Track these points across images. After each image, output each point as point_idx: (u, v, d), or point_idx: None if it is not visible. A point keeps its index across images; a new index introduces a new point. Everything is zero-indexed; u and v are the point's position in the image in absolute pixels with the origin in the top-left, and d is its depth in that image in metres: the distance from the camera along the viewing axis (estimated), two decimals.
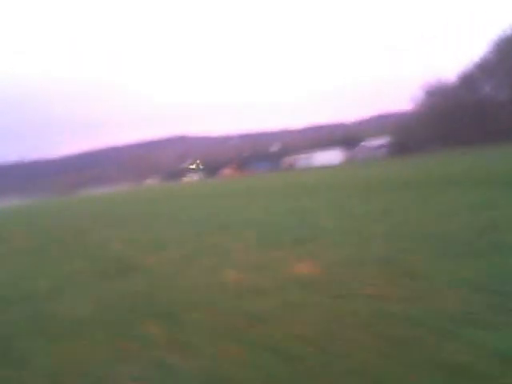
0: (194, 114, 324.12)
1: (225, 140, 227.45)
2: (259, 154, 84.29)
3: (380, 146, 60.90)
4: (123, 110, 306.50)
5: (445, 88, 58.02)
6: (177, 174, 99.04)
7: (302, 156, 60.74)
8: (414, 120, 60.30)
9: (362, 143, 64.70)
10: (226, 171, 58.62)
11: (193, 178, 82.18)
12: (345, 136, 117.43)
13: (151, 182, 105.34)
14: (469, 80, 54.41)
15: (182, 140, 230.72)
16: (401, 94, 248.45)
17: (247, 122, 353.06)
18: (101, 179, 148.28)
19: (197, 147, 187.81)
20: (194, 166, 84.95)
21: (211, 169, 77.13)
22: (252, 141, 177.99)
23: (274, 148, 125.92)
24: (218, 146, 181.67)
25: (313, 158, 58.21)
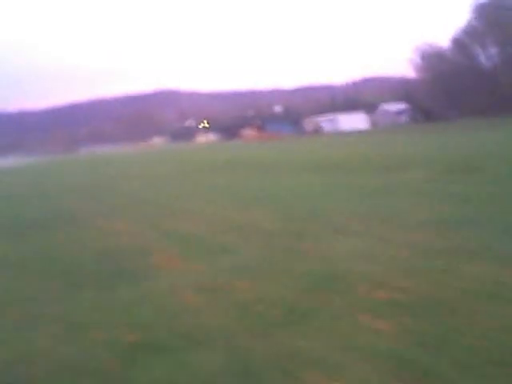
0: (182, 68, 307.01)
1: (217, 96, 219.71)
2: (278, 115, 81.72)
3: (400, 112, 59.81)
4: (106, 60, 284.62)
5: (441, 53, 54.69)
6: (185, 133, 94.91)
7: (326, 119, 58.84)
8: (422, 85, 57.88)
9: (381, 108, 63.24)
10: (248, 133, 56.27)
11: (208, 138, 78.89)
12: (346, 99, 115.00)
13: (159, 141, 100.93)
14: (462, 46, 51.34)
15: (173, 94, 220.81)
16: (386, 57, 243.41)
17: (236, 79, 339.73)
18: (99, 136, 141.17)
19: (191, 103, 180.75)
20: (206, 125, 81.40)
21: (225, 129, 74.30)
22: (251, 99, 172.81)
23: (278, 109, 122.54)
24: (216, 103, 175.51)
25: (338, 122, 56.60)
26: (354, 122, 56.20)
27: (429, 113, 54.61)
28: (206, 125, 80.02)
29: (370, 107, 68.86)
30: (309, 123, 60.64)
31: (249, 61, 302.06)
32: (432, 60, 53.82)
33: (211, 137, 79.48)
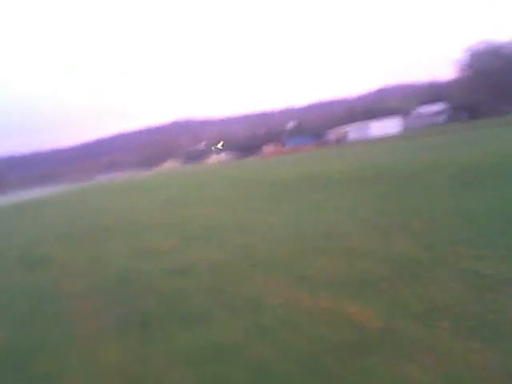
0: (195, 99, 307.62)
1: (230, 122, 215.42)
2: (294, 129, 73.70)
3: (437, 113, 50.61)
4: (124, 98, 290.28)
5: (496, 49, 48.61)
6: (198, 155, 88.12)
7: (353, 127, 50.28)
8: (467, 84, 50.59)
9: (415, 110, 54.31)
10: (268, 149, 48.32)
11: (220, 158, 71.74)
12: (365, 109, 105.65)
13: (172, 165, 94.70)
14: None
15: (188, 123, 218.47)
16: (398, 66, 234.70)
17: (246, 104, 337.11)
18: (117, 165, 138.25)
19: (205, 129, 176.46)
20: (219, 146, 74.38)
21: (241, 147, 66.47)
22: (264, 120, 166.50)
23: (291, 125, 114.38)
24: (229, 127, 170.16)
25: (368, 129, 47.91)
26: (386, 127, 47.31)
27: (474, 110, 46.21)
28: (220, 146, 72.80)
29: (396, 113, 60.02)
30: (332, 133, 51.91)
31: (258, 84, 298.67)
32: (485, 57, 47.38)
33: (223, 156, 72.31)
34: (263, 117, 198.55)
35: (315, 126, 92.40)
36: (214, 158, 74.85)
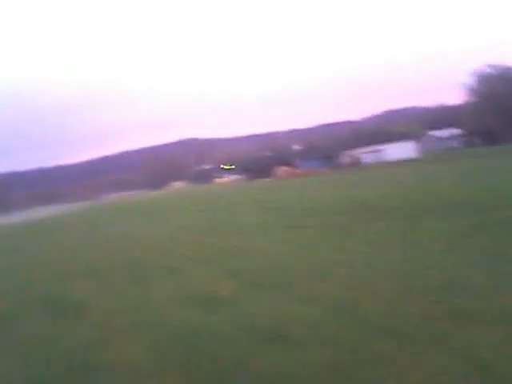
0: (200, 118, 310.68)
1: (235, 141, 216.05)
2: (302, 152, 73.19)
3: (450, 138, 49.80)
4: (129, 116, 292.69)
5: (506, 73, 48.63)
6: (205, 175, 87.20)
7: (368, 150, 49.36)
8: (476, 109, 50.37)
9: (428, 135, 53.57)
10: (281, 171, 47.22)
11: (229, 178, 70.69)
12: (372, 132, 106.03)
13: (179, 185, 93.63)
14: None
15: (193, 142, 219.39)
16: (402, 91, 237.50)
17: (250, 125, 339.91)
18: (122, 184, 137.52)
19: (210, 149, 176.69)
20: (228, 167, 73.56)
21: (251, 169, 65.43)
22: (269, 141, 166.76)
23: (298, 147, 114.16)
24: (234, 147, 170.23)
25: (383, 153, 46.95)
26: (401, 151, 46.33)
27: (488, 135, 45.38)
28: (230, 166, 72.02)
29: (406, 137, 59.35)
30: (346, 156, 50.95)
31: (263, 105, 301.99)
32: (492, 80, 46.94)
33: (232, 177, 71.20)
34: (268, 137, 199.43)
35: (323, 148, 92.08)
36: (222, 179, 73.83)
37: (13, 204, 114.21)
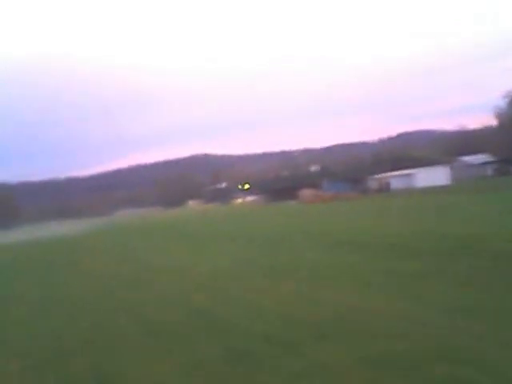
0: (212, 133, 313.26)
1: (248, 158, 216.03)
2: (323, 173, 72.01)
3: (484, 164, 48.09)
4: (141, 129, 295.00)
5: None
6: (221, 194, 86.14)
7: (397, 175, 47.82)
8: (505, 134, 48.73)
9: (460, 160, 51.97)
10: (307, 193, 45.87)
11: (246, 199, 69.54)
12: (391, 155, 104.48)
13: (194, 204, 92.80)
14: None
15: (205, 158, 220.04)
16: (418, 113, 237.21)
17: (264, 142, 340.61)
18: (135, 200, 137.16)
19: (223, 166, 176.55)
20: (246, 187, 72.56)
21: (272, 190, 64.22)
22: (282, 160, 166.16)
23: (315, 168, 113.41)
24: (248, 165, 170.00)
25: (414, 178, 45.41)
26: (432, 177, 44.71)
27: None
28: (247, 186, 70.92)
29: (432, 162, 57.74)
30: (374, 181, 49.42)
31: (277, 124, 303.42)
32: None
33: (250, 198, 69.94)
34: (282, 156, 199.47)
35: (341, 170, 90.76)
36: (241, 199, 72.70)
37: (24, 217, 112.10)
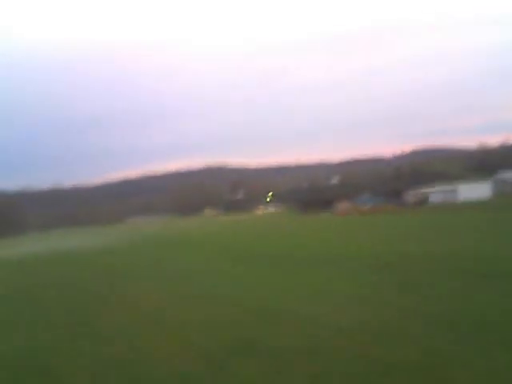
0: (227, 146, 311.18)
1: (263, 171, 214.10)
2: (353, 187, 69.50)
3: None
4: (151, 139, 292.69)
5: None
6: (238, 205, 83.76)
7: (438, 189, 45.38)
8: None
9: (502, 175, 49.51)
10: (343, 206, 43.57)
11: (269, 210, 67.33)
12: (413, 171, 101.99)
13: (211, 213, 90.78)
14: None
15: (220, 170, 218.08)
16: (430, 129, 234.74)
17: (278, 155, 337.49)
18: (148, 208, 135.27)
19: (239, 177, 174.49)
20: (269, 198, 70.40)
21: (297, 201, 61.96)
22: (297, 173, 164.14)
23: (334, 181, 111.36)
24: (263, 177, 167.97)
25: (456, 193, 43.02)
26: (476, 191, 42.34)
27: None
28: (270, 197, 68.69)
29: (447, 178, 55.63)
30: (411, 194, 46.95)
31: (291, 138, 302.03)
32: None
33: (273, 208, 67.62)
34: (298, 170, 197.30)
35: (364, 184, 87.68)
36: (263, 210, 70.40)
37: (28, 225, 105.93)
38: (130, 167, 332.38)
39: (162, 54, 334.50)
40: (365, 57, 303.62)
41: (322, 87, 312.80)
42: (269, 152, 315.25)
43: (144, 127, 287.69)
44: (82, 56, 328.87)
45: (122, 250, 27.82)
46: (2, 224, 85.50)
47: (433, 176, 73.80)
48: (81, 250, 30.25)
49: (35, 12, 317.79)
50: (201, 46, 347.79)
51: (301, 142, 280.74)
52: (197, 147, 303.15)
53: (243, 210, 78.27)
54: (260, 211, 69.27)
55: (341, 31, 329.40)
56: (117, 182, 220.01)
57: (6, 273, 21.37)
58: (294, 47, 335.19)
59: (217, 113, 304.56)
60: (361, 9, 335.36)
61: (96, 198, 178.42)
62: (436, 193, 45.29)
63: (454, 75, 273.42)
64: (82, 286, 13.77)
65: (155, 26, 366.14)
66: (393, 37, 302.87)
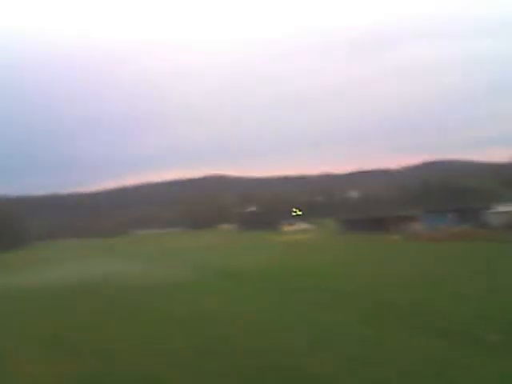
0: (227, 155, 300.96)
1: (265, 182, 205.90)
2: (366, 201, 62.28)
3: None
4: (151, 146, 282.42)
5: None
6: (263, 220, 74.64)
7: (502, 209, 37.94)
8: None
9: None
10: (415, 229, 36.15)
11: (300, 227, 59.06)
12: (440, 184, 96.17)
13: (227, 228, 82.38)
14: None
15: (221, 180, 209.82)
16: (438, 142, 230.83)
17: (278, 166, 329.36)
18: (150, 219, 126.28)
19: (241, 188, 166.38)
20: (297, 213, 62.43)
21: (341, 219, 53.98)
22: (302, 185, 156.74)
23: (354, 195, 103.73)
24: (266, 189, 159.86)
25: None
26: None
27: None
28: (298, 212, 60.81)
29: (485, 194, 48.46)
30: (493, 215, 39.40)
31: (291, 149, 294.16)
32: None
33: (303, 226, 59.52)
34: (300, 181, 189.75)
35: (386, 199, 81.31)
36: (292, 227, 61.62)
37: (28, 235, 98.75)
38: (126, 175, 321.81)
39: (162, 61, 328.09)
40: (373, 62, 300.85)
41: (319, 97, 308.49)
42: (269, 162, 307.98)
43: (141, 134, 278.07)
44: (82, 60, 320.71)
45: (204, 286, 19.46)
46: (3, 235, 74.09)
47: (479, 193, 66.66)
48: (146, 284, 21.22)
49: (35, 14, 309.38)
50: (201, 49, 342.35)
51: (300, 153, 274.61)
52: (195, 156, 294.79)
53: (265, 226, 69.10)
54: (290, 229, 60.56)
55: (343, 36, 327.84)
56: (114, 189, 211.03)
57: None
58: (299, 53, 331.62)
59: (217, 121, 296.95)
60: (361, 10, 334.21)
61: (94, 205, 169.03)
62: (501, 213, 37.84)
63: (465, 83, 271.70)
64: None
65: (155, 28, 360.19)
66: (401, 43, 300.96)
